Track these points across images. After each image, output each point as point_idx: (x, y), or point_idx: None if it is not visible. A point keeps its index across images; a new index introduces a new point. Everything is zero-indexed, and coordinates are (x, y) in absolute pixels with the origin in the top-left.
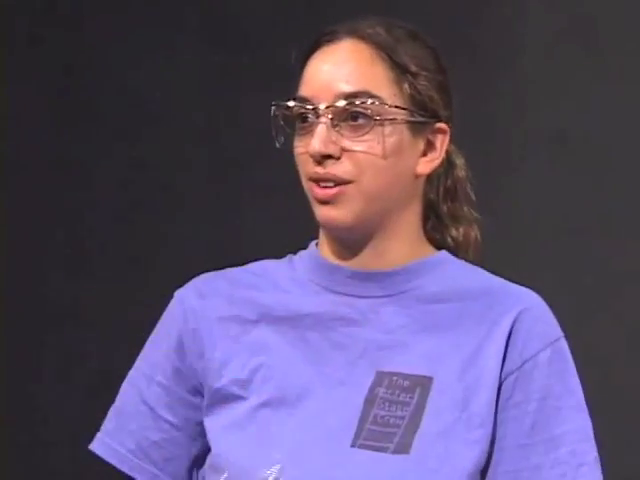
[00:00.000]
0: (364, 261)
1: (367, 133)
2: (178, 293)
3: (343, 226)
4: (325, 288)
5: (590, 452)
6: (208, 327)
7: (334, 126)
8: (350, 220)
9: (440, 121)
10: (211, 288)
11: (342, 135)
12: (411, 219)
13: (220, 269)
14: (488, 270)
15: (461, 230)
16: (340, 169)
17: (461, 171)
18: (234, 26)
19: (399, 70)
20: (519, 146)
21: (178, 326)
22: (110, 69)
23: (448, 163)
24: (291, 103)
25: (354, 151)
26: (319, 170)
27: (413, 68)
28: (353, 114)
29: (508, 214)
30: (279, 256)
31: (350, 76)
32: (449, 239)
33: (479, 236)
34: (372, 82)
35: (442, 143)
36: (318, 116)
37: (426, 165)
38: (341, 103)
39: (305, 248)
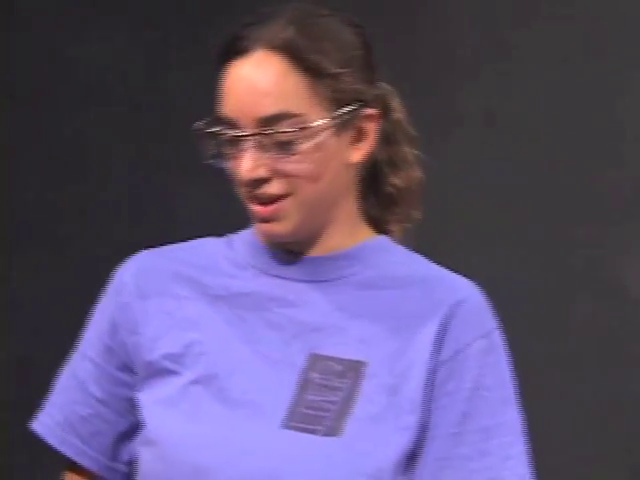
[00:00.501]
0: (302, 246)
1: (294, 150)
2: (117, 271)
3: (285, 239)
4: (262, 270)
5: (518, 445)
6: (142, 302)
7: (261, 149)
8: (291, 232)
9: (368, 106)
10: (149, 265)
11: (270, 156)
12: (349, 206)
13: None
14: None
15: (402, 175)
16: (274, 188)
17: (397, 113)
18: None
19: (317, 77)
20: (444, 128)
21: (112, 302)
22: None
23: (383, 108)
24: (216, 128)
25: (285, 169)
26: (253, 192)
27: (332, 69)
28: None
29: (434, 197)
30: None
31: (268, 97)
32: (389, 188)
33: (422, 176)
34: (290, 100)
35: (373, 128)
36: (243, 141)
37: (359, 153)
38: (264, 128)
39: (245, 226)
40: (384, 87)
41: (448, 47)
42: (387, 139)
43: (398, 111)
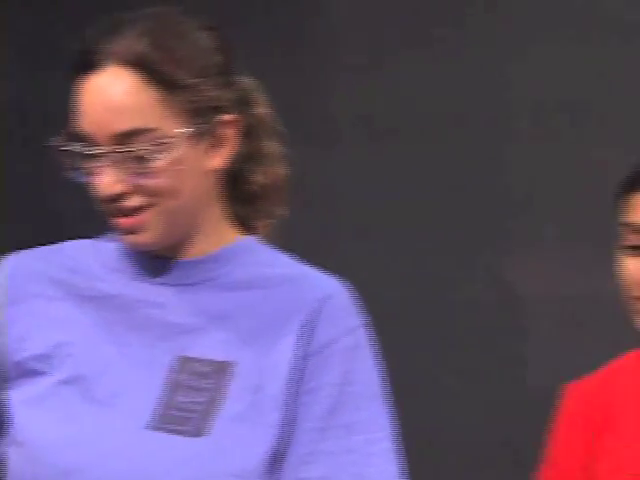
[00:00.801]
0: (169, 252)
1: (151, 165)
2: None
3: (149, 248)
4: (130, 273)
5: (384, 442)
6: (13, 304)
7: (118, 164)
8: (155, 242)
9: (226, 112)
10: (21, 266)
11: (127, 171)
12: (213, 210)
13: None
14: (298, 256)
15: (265, 170)
16: (134, 202)
17: (260, 108)
18: None
19: (171, 89)
20: (327, 131)
21: None
22: None
23: (245, 103)
24: (72, 144)
25: (143, 184)
26: (113, 206)
27: (187, 80)
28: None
29: (316, 201)
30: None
31: (122, 113)
32: (251, 184)
33: (287, 172)
34: (145, 114)
35: (232, 133)
36: (100, 157)
37: (219, 159)
38: (119, 145)
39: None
40: (246, 83)
41: (335, 52)
42: (249, 134)
43: (261, 106)
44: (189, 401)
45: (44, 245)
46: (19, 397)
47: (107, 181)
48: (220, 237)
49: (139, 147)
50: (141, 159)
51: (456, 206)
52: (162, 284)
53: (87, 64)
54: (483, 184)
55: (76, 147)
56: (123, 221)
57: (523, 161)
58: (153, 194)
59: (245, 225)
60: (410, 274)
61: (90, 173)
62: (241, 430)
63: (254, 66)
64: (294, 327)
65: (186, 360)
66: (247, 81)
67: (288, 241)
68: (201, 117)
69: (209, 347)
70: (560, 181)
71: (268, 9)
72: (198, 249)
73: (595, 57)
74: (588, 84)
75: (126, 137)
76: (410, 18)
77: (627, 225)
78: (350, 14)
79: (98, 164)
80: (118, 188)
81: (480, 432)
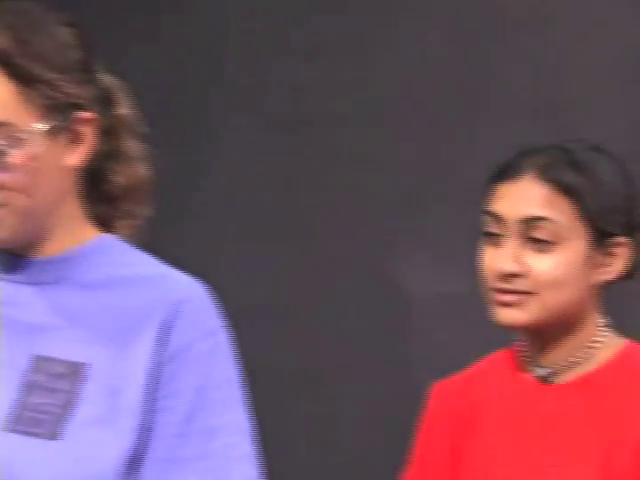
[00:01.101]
0: (25, 250)
1: (6, 159)
2: None
3: (3, 246)
4: None
5: (243, 446)
6: None
7: None
8: (8, 239)
9: (84, 109)
10: None
11: None
12: (71, 208)
13: None
14: (167, 256)
15: (125, 170)
16: None
17: (121, 108)
18: None
19: (29, 84)
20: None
21: None
22: None
23: (105, 101)
24: None
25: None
26: None
27: (46, 75)
28: None
29: (204, 197)
30: None
31: None
32: (111, 184)
33: (149, 172)
34: (2, 109)
35: (89, 131)
36: None
37: (76, 157)
38: None
39: None
40: (108, 81)
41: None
42: (109, 133)
43: (123, 105)
44: (44, 402)
45: None
46: None
47: None
48: (78, 236)
49: None
50: (1, 155)
51: (342, 204)
52: (17, 282)
53: None
54: (367, 182)
55: None
56: None
57: (409, 159)
58: (7, 190)
59: (106, 225)
60: (294, 273)
61: None
62: (95, 434)
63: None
64: (152, 329)
65: (41, 360)
66: (109, 80)
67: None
68: (59, 113)
69: (65, 347)
70: (445, 179)
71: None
72: (55, 247)
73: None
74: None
75: None
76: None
77: (488, 213)
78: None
79: None
80: None
81: (365, 431)
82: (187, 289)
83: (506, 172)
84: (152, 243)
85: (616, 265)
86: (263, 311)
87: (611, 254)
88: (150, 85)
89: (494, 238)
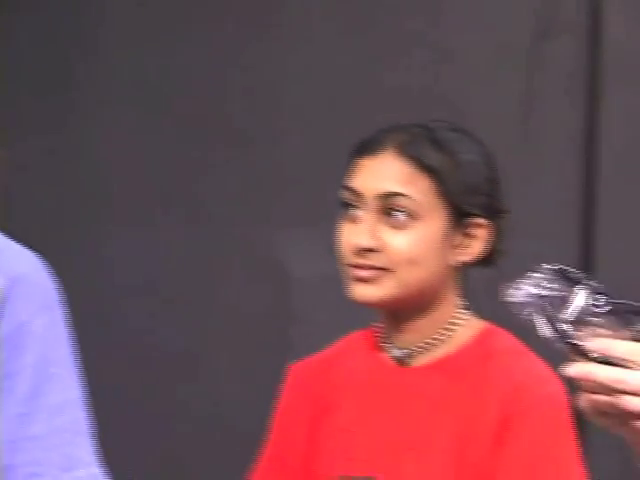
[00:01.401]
0: None
1: None
2: None
3: None
4: None
5: (87, 421)
6: None
7: None
8: None
9: None
10: None
11: None
12: None
13: None
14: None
15: None
16: None
17: None
18: None
19: None
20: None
21: None
22: None
23: None
24: None
25: None
26: None
27: None
28: None
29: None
30: None
31: None
32: None
33: None
34: None
35: None
36: None
37: None
38: None
39: None
40: None
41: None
42: None
43: None
44: None
45: None
46: None
47: None
48: None
49: None
50: None
51: (226, 186)
52: None
53: None
54: (251, 164)
55: None
56: None
57: (293, 141)
58: None
59: None
60: (179, 255)
61: None
62: None
63: None
64: None
65: None
66: None
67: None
68: None
69: None
70: (320, 162)
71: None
72: None
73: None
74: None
75: None
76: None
77: (347, 188)
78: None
79: None
80: None
81: (246, 410)
82: (22, 265)
83: (366, 147)
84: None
85: (475, 247)
86: (149, 292)
87: (470, 235)
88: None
89: (352, 213)
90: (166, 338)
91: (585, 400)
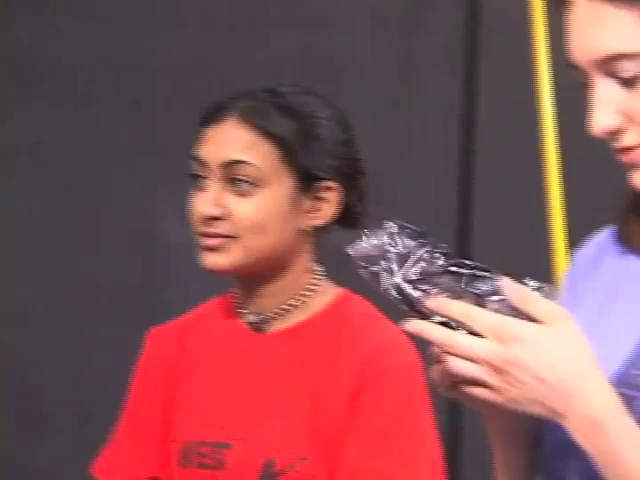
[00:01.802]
0: None
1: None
2: None
3: None
4: None
5: None
6: None
7: None
8: None
9: None
10: None
11: None
12: None
13: None
14: None
15: None
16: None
17: None
18: None
19: None
20: None
21: None
22: None
23: None
24: None
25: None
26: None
27: None
28: None
29: None
30: None
31: None
32: None
33: None
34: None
35: None
36: None
37: None
38: None
39: None
40: None
41: None
42: None
43: None
44: None
45: None
46: None
47: None
48: None
49: None
50: None
51: (100, 150)
52: None
53: None
54: (127, 127)
55: None
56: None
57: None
58: None
59: None
60: (53, 217)
61: None
62: None
63: None
64: None
65: None
66: None
67: None
68: None
69: None
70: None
71: None
72: None
73: None
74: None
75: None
76: None
77: (194, 157)
78: None
79: None
80: None
81: (111, 377)
82: None
83: (211, 116)
84: None
85: (326, 210)
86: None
87: (320, 199)
88: None
89: (200, 182)
90: (31, 305)
91: (435, 371)
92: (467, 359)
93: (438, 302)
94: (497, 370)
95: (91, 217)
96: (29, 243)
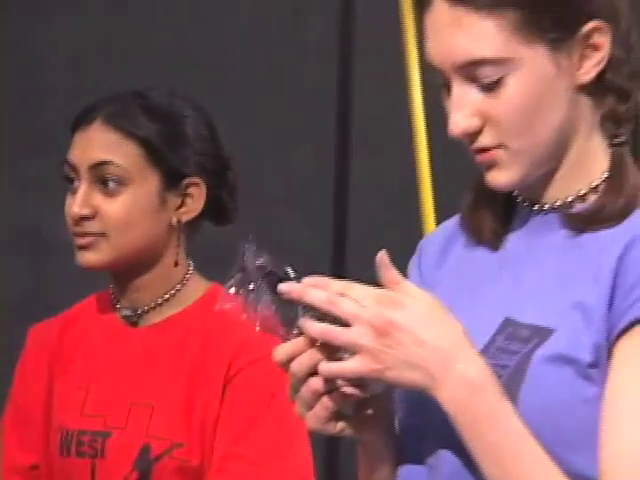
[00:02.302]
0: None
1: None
2: None
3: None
4: None
5: None
6: None
7: None
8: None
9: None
10: None
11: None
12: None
13: None
14: None
15: None
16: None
17: None
18: None
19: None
20: None
21: None
22: None
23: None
24: None
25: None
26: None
27: None
28: None
29: None
30: None
31: None
32: None
33: None
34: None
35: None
36: None
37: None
38: None
39: None
40: None
41: None
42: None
43: None
44: None
45: None
46: None
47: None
48: None
49: None
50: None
51: None
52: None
53: None
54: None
55: None
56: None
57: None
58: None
59: None
60: None
61: None
62: None
63: None
64: None
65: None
66: None
67: None
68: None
69: None
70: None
71: None
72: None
73: None
74: None
75: None
76: None
77: (65, 162)
78: None
79: None
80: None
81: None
82: None
83: (79, 120)
84: None
85: (193, 205)
86: None
87: (187, 195)
88: None
89: (73, 185)
90: None
91: (303, 399)
92: (351, 319)
93: (313, 282)
94: (378, 331)
95: None
96: None
